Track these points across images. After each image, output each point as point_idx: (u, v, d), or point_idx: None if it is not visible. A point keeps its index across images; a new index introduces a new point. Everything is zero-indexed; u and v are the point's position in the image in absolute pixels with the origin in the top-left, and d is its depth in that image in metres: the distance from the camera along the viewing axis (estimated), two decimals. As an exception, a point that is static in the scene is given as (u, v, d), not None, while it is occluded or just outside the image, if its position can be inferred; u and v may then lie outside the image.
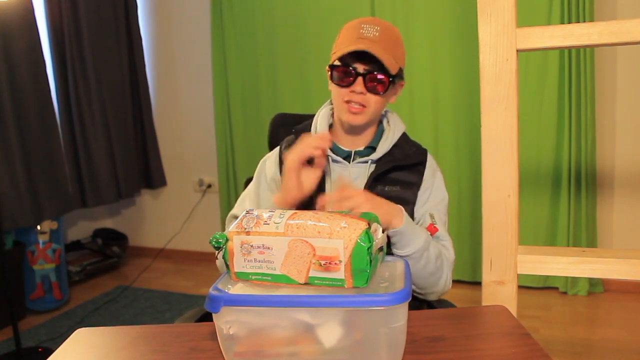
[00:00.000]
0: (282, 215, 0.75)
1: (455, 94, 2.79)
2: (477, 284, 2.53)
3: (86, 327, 0.91)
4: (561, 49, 2.54)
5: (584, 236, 2.61)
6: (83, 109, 3.09)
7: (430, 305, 1.19)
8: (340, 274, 0.71)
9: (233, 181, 3.38)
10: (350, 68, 1.03)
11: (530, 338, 0.78)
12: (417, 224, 1.10)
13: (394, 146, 1.12)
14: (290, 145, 1.13)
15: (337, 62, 1.05)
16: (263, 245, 0.74)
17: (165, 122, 3.61)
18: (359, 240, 0.69)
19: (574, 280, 2.69)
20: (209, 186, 3.54)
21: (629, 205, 2.65)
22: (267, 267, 0.74)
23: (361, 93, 1.04)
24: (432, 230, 1.08)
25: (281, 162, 1.15)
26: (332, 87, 1.09)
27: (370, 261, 0.70)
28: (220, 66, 3.29)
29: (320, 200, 0.92)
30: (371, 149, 1.13)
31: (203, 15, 3.35)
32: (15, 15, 2.60)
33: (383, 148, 1.11)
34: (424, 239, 0.99)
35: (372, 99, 1.05)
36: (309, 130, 1.14)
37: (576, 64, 2.51)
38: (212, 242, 0.76)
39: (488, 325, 0.87)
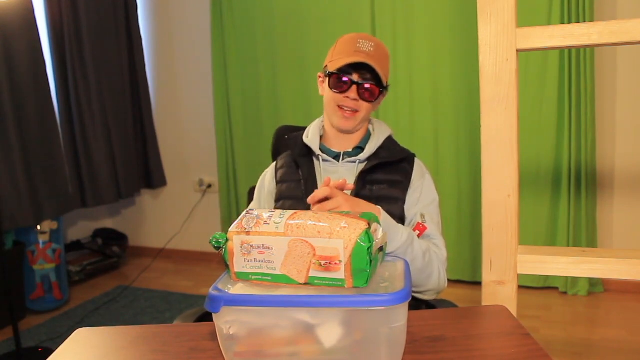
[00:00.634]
0: (282, 215, 0.75)
1: (455, 94, 2.79)
2: (477, 284, 2.53)
3: (86, 327, 0.91)
4: (561, 49, 2.54)
5: (584, 236, 2.61)
6: (83, 109, 3.09)
7: (429, 305, 1.20)
8: (340, 274, 0.71)
9: (233, 181, 3.38)
10: (347, 77, 1.14)
11: (531, 338, 0.78)
12: (409, 224, 1.16)
13: (380, 148, 1.21)
14: (283, 165, 1.26)
15: (335, 71, 1.15)
16: (263, 245, 0.73)
17: (165, 122, 3.61)
18: (359, 240, 0.69)
19: (574, 280, 2.69)
20: (209, 186, 3.54)
21: (629, 205, 2.65)
22: (267, 267, 0.74)
23: (354, 100, 1.15)
24: (420, 229, 1.10)
25: (276, 176, 1.28)
26: (326, 92, 1.20)
27: (370, 261, 0.70)
28: (220, 66, 3.29)
29: (310, 200, 0.97)
30: (359, 149, 1.22)
31: (203, 15, 3.35)
32: (15, 15, 2.60)
33: (370, 149, 1.20)
34: (405, 235, 1.02)
35: (364, 106, 1.17)
36: (301, 139, 1.25)
37: (576, 64, 2.51)
38: (212, 242, 0.76)
39: (488, 325, 0.87)
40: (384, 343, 0.69)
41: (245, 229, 0.75)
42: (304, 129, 1.30)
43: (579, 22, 2.17)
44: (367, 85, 1.14)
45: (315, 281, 0.72)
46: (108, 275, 3.39)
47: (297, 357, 0.71)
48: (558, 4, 2.50)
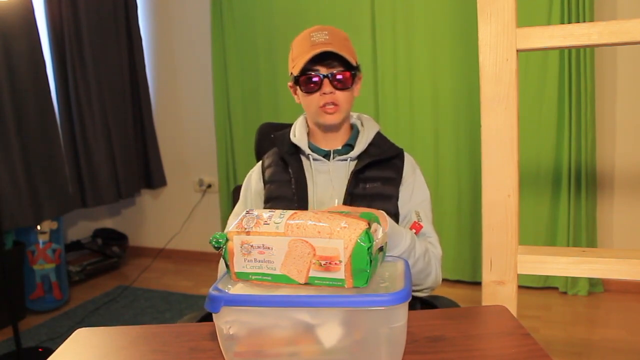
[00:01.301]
0: (282, 215, 0.75)
1: (455, 94, 2.79)
2: (477, 284, 2.53)
3: (86, 327, 0.91)
4: (561, 49, 2.54)
5: (584, 236, 2.61)
6: (83, 109, 3.09)
7: (423, 301, 1.21)
8: (340, 274, 0.71)
9: (233, 181, 3.38)
10: (314, 73, 1.11)
11: (531, 338, 0.78)
12: (403, 221, 1.16)
13: (370, 145, 1.19)
14: (270, 165, 1.24)
15: (299, 74, 1.12)
16: (263, 245, 0.74)
17: (165, 122, 3.61)
18: (359, 241, 0.69)
19: (574, 280, 2.69)
20: (209, 186, 3.54)
21: (629, 205, 2.65)
22: (267, 267, 0.74)
23: (331, 93, 1.11)
24: (417, 227, 1.10)
25: (264, 176, 1.24)
26: (302, 97, 1.16)
27: (371, 261, 0.70)
28: (220, 66, 3.29)
29: None
30: (349, 147, 1.20)
31: (203, 15, 3.35)
32: (15, 16, 2.60)
33: (360, 146, 1.18)
34: (409, 238, 1.02)
35: (342, 96, 1.13)
36: (288, 137, 1.22)
37: (576, 64, 2.51)
38: (212, 242, 0.76)
39: (488, 325, 0.87)
40: (384, 343, 0.69)
41: (245, 229, 0.75)
42: (287, 126, 1.27)
43: (579, 22, 2.18)
44: (338, 75, 1.11)
45: (315, 281, 0.72)
46: (108, 275, 3.39)
47: (297, 357, 0.71)
48: (558, 4, 2.50)
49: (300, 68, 1.10)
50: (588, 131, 2.54)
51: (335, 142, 1.20)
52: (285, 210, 0.76)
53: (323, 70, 1.11)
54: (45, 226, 2.82)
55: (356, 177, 1.15)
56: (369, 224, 0.72)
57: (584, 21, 2.40)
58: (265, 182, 1.23)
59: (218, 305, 0.69)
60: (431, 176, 2.87)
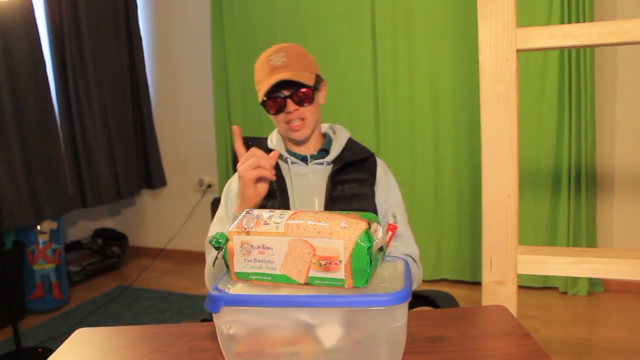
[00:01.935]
0: (282, 215, 0.75)
1: (455, 94, 2.79)
2: (477, 284, 2.53)
3: (86, 327, 0.91)
4: (561, 49, 2.54)
5: (584, 236, 2.61)
6: (83, 109, 3.09)
7: (424, 299, 1.23)
8: (340, 274, 0.71)
9: (233, 181, 3.38)
10: (277, 96, 1.18)
11: (531, 338, 0.78)
12: (382, 221, 1.22)
13: (344, 150, 1.26)
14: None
15: (264, 98, 1.19)
16: (263, 245, 0.73)
17: (165, 122, 3.61)
18: (359, 240, 0.69)
19: (574, 280, 2.69)
20: (209, 186, 3.54)
21: (629, 205, 2.65)
22: (267, 267, 0.74)
23: (296, 110, 1.18)
24: (392, 229, 1.12)
25: None
26: (272, 116, 1.23)
27: (370, 261, 0.70)
28: (220, 66, 3.29)
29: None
30: (324, 152, 1.27)
31: (203, 15, 3.35)
32: (15, 15, 2.60)
33: (335, 151, 1.25)
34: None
35: (307, 110, 1.20)
36: (265, 144, 1.28)
37: (576, 64, 2.51)
38: (213, 242, 0.76)
39: (488, 325, 0.87)
40: (384, 343, 0.69)
41: (245, 229, 0.75)
42: (263, 139, 1.33)
43: (579, 22, 2.18)
44: (298, 93, 1.17)
45: (315, 281, 0.72)
46: (108, 275, 3.39)
47: (297, 357, 0.71)
48: (558, 4, 2.50)
49: (263, 94, 1.17)
50: (588, 131, 2.54)
51: (309, 149, 1.27)
52: (285, 210, 0.77)
53: (285, 92, 1.17)
54: (45, 226, 2.82)
55: (333, 180, 1.21)
56: (368, 224, 0.72)
57: (584, 21, 2.40)
58: None
59: (218, 305, 0.69)
60: (431, 176, 2.87)
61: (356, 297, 0.67)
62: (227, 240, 0.76)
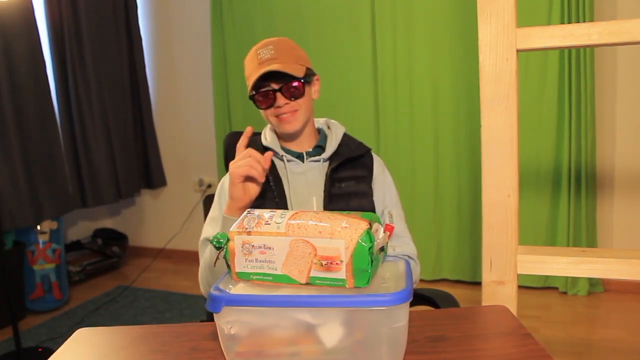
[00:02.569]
0: (283, 215, 0.75)
1: (455, 94, 2.79)
2: (477, 284, 2.53)
3: (86, 327, 0.91)
4: (561, 49, 2.54)
5: (584, 236, 2.61)
6: (83, 109, 3.09)
7: (424, 299, 1.23)
8: (341, 274, 0.71)
9: (233, 181, 3.38)
10: (266, 89, 1.14)
11: (531, 338, 0.78)
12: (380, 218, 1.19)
13: (340, 145, 1.23)
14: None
15: (253, 92, 1.16)
16: (264, 245, 0.74)
17: (165, 122, 3.61)
18: (360, 241, 0.69)
19: (574, 280, 2.69)
20: (209, 186, 3.54)
21: (629, 205, 2.65)
22: (268, 267, 0.74)
23: (286, 104, 1.15)
24: (389, 229, 1.12)
25: None
26: (261, 111, 1.20)
27: (372, 261, 0.70)
28: (220, 66, 3.29)
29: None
30: (319, 148, 1.23)
31: (203, 15, 3.35)
32: (15, 15, 2.60)
33: (331, 147, 1.22)
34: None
35: (298, 103, 1.16)
36: (259, 141, 1.24)
37: (576, 64, 2.51)
38: (214, 242, 0.76)
39: (489, 325, 0.87)
40: (385, 343, 0.69)
41: (247, 229, 0.75)
42: (257, 136, 1.30)
43: (579, 22, 2.18)
44: (288, 86, 1.14)
45: (317, 281, 0.72)
46: (108, 275, 3.39)
47: (298, 357, 0.71)
48: (558, 4, 2.50)
49: (251, 87, 1.15)
50: (588, 131, 2.54)
51: (304, 145, 1.23)
52: (286, 210, 0.77)
53: (274, 85, 1.14)
54: (45, 226, 2.82)
55: (331, 178, 1.18)
56: (370, 224, 0.72)
57: (584, 21, 2.40)
58: None
59: (219, 305, 0.69)
60: (431, 176, 2.87)
61: (357, 297, 0.68)
62: (228, 240, 0.76)
